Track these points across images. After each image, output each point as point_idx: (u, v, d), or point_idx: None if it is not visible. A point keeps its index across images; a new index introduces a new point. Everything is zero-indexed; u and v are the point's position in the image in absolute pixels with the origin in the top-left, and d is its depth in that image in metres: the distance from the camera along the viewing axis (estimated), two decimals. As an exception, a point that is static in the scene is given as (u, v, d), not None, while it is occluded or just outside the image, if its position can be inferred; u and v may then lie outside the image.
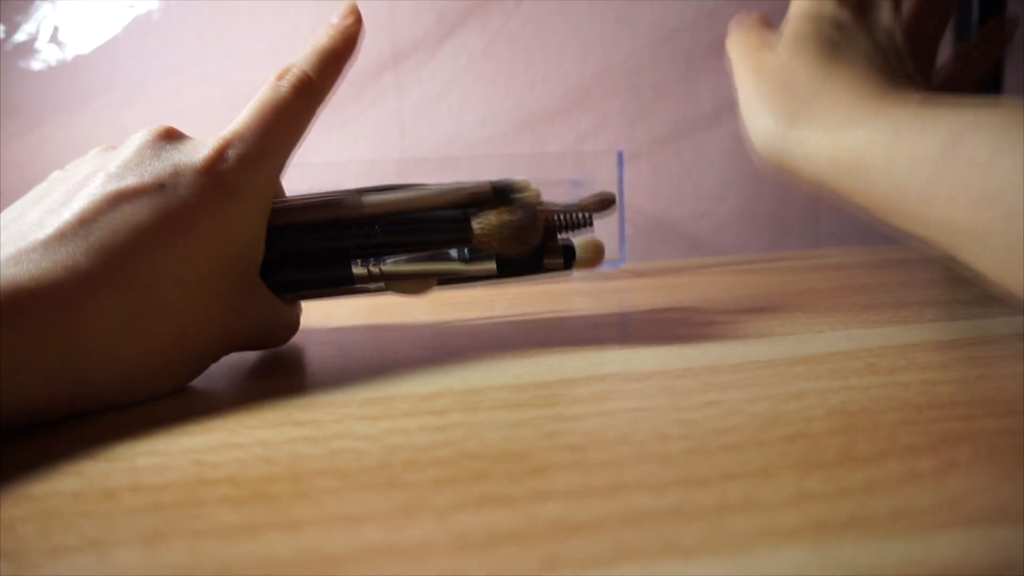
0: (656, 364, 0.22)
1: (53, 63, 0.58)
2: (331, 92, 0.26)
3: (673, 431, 0.16)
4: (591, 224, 0.28)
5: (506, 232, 0.25)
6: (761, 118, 0.30)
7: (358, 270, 0.26)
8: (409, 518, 0.13)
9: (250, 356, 0.28)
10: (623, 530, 0.12)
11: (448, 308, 0.37)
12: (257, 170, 0.23)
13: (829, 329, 0.26)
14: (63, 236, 0.19)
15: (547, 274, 0.27)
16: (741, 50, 0.34)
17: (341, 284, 0.26)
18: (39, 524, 0.13)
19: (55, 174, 0.24)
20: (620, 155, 0.50)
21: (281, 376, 0.24)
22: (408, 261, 0.26)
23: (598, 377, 0.21)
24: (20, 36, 0.58)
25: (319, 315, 0.38)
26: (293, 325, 0.27)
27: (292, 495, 0.14)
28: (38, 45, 0.58)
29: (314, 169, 0.48)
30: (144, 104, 0.59)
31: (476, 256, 0.27)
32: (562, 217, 0.27)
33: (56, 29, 0.58)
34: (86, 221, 0.20)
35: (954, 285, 0.37)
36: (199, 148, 0.22)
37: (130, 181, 0.21)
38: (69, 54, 0.58)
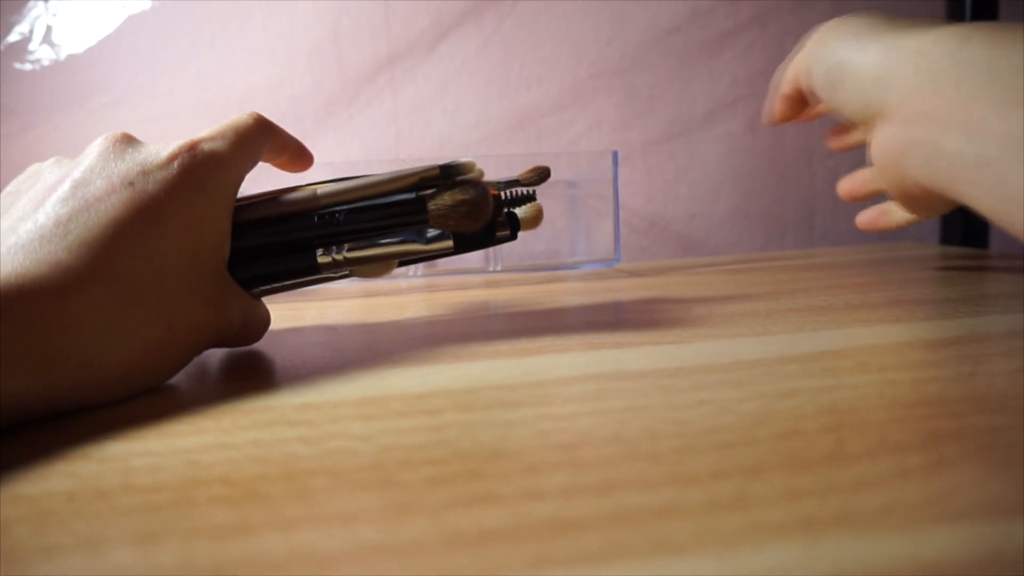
0: (649, 363, 0.22)
1: (47, 64, 0.58)
2: (280, 140, 0.28)
3: (665, 430, 0.16)
4: (534, 198, 0.30)
5: (461, 211, 0.26)
6: (828, 49, 0.33)
7: (322, 258, 0.27)
8: (402, 517, 0.13)
9: (244, 357, 0.28)
10: (614, 528, 0.12)
11: (443, 308, 0.37)
12: (221, 169, 0.24)
13: (821, 328, 0.26)
14: (43, 238, 0.20)
15: (497, 245, 0.29)
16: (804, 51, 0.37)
17: (307, 273, 0.27)
18: (33, 524, 0.13)
19: (8, 189, 0.25)
20: (614, 155, 0.51)
21: (275, 376, 0.24)
22: (369, 246, 0.28)
23: (591, 376, 0.21)
24: (13, 37, 0.58)
25: (313, 315, 0.38)
26: (266, 321, 0.28)
27: (285, 495, 0.14)
28: (31, 46, 0.58)
29: (311, 170, 0.48)
30: (138, 104, 0.59)
31: (432, 236, 0.28)
32: (506, 194, 0.29)
33: (49, 29, 0.58)
34: (62, 222, 0.21)
35: (946, 283, 0.37)
36: (162, 149, 0.24)
37: (99, 184, 0.22)
38: (63, 55, 0.58)
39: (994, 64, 0.25)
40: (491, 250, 0.52)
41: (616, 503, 0.13)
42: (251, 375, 0.25)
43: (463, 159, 0.28)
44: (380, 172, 0.28)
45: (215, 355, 0.28)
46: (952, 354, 0.22)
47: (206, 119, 0.59)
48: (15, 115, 0.57)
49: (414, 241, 0.28)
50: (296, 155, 0.29)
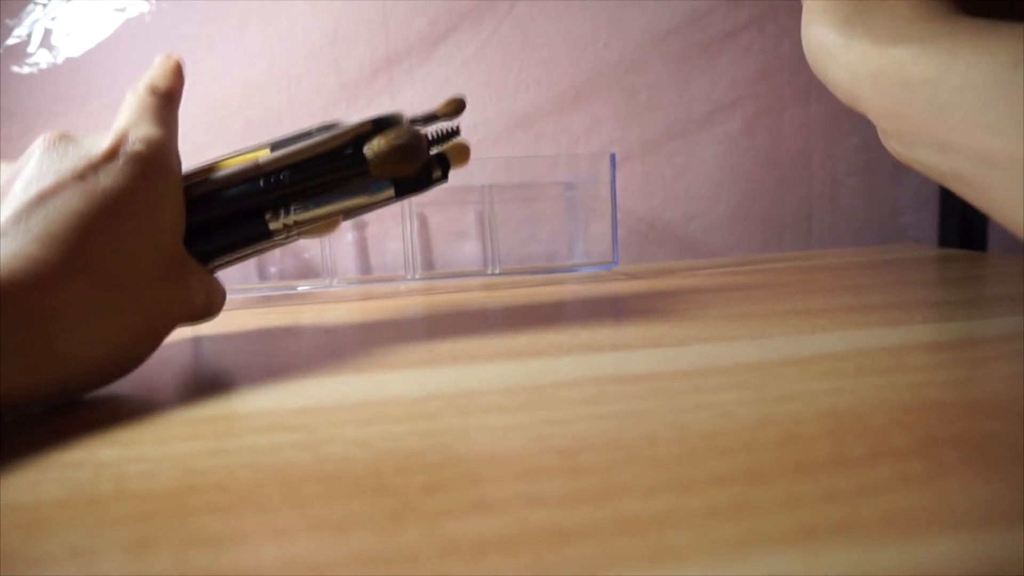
0: (648, 366, 0.22)
1: (45, 67, 0.58)
2: (180, 95, 0.29)
3: (663, 434, 0.16)
4: (458, 133, 0.31)
5: (397, 156, 0.28)
6: (815, 25, 0.29)
7: (273, 224, 0.28)
8: (397, 524, 0.12)
9: (241, 361, 0.28)
10: (612, 536, 0.12)
11: (440, 311, 0.37)
12: (160, 148, 0.25)
13: (820, 331, 0.26)
14: (3, 233, 0.20)
15: (433, 186, 0.30)
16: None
17: (260, 240, 0.28)
18: (25, 533, 0.13)
19: None
20: (612, 157, 0.50)
21: (272, 381, 0.24)
22: (315, 205, 0.28)
23: (590, 380, 0.21)
24: (11, 40, 0.58)
25: (311, 317, 0.38)
26: (223, 295, 0.29)
27: (280, 502, 0.14)
28: (30, 49, 0.58)
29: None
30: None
31: (374, 187, 0.29)
32: (432, 133, 0.30)
33: (48, 33, 0.58)
34: (19, 217, 0.21)
35: (945, 286, 0.37)
36: (100, 140, 0.24)
37: (49, 180, 0.22)
38: (61, 58, 0.58)
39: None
40: (489, 252, 0.52)
41: (615, 510, 0.13)
42: (247, 380, 0.24)
43: (392, 111, 0.29)
44: (315, 130, 0.29)
45: (211, 360, 0.28)
46: (951, 358, 0.22)
47: (204, 121, 0.59)
48: (14, 118, 0.57)
49: (358, 195, 0.29)
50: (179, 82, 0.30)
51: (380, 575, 0.11)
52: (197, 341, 0.33)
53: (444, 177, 0.30)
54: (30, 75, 0.58)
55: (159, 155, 0.25)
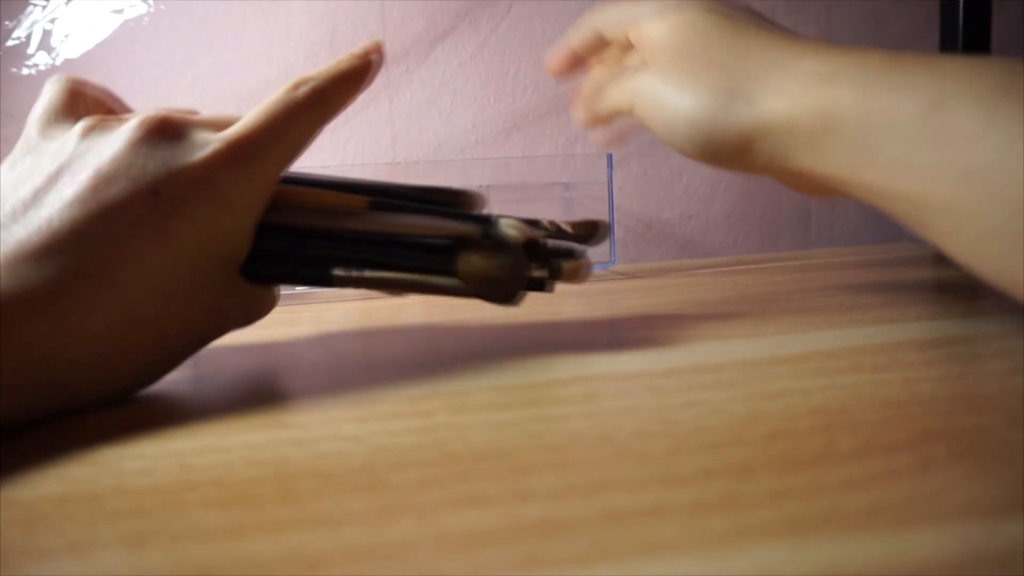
0: (642, 364, 0.22)
1: (44, 68, 0.58)
2: (338, 114, 0.25)
3: (655, 431, 0.16)
4: (580, 255, 0.27)
5: (490, 285, 0.25)
6: (682, 103, 0.25)
7: (338, 273, 0.26)
8: (392, 519, 0.13)
9: (239, 360, 0.28)
10: (602, 529, 0.12)
11: (438, 309, 0.38)
12: (256, 180, 0.22)
13: (815, 329, 0.26)
14: (51, 249, 0.19)
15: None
16: (622, 76, 0.30)
17: (319, 284, 0.26)
18: (24, 527, 0.13)
19: (32, 135, 0.23)
20: (610, 158, 0.51)
21: (269, 379, 0.24)
22: (387, 273, 0.26)
23: (584, 378, 0.21)
24: (10, 42, 0.58)
25: (309, 316, 0.38)
26: (271, 305, 0.27)
27: (276, 497, 0.14)
28: (29, 50, 0.58)
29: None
30: (136, 109, 0.59)
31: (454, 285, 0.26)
32: (549, 246, 0.27)
33: (47, 34, 0.58)
34: (77, 232, 0.19)
35: (940, 285, 0.37)
36: (197, 149, 0.21)
37: (123, 186, 0.20)
38: (60, 60, 0.58)
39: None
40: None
41: (605, 504, 0.13)
42: (245, 378, 0.25)
43: (509, 229, 0.25)
44: (423, 206, 0.26)
45: (210, 358, 0.28)
46: (944, 354, 0.22)
47: (203, 123, 0.59)
48: (13, 120, 0.58)
49: (433, 280, 0.26)
50: (356, 88, 0.25)
51: (375, 568, 0.11)
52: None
53: (543, 286, 0.27)
54: (29, 76, 0.58)
55: (255, 189, 0.22)
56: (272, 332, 0.34)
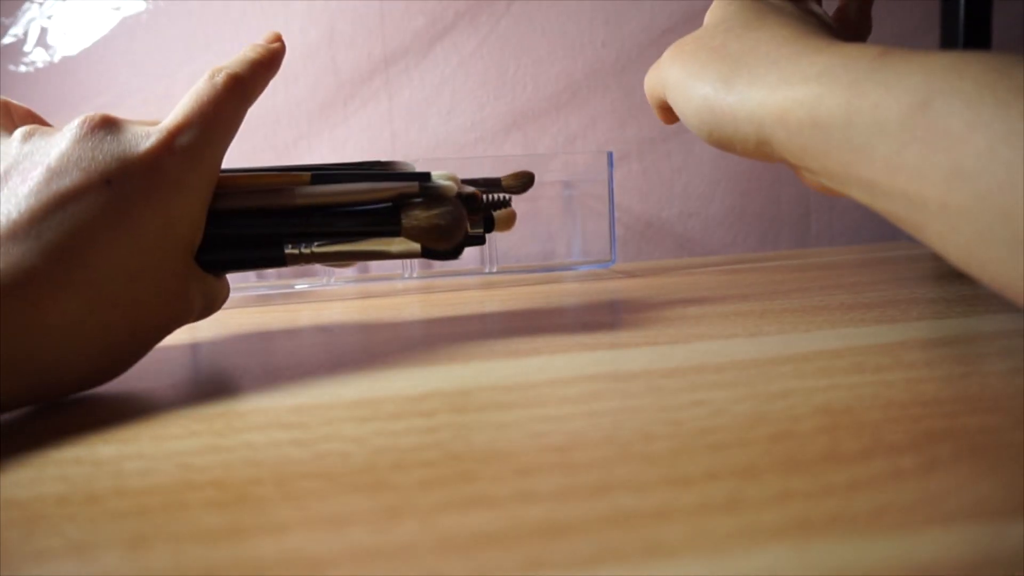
0: (644, 364, 0.22)
1: (41, 66, 0.58)
2: (258, 95, 0.27)
3: (658, 431, 0.16)
4: (509, 203, 0.30)
5: (434, 234, 0.27)
6: (694, 90, 0.27)
7: (289, 251, 0.27)
8: (394, 519, 0.13)
9: (238, 359, 0.28)
10: (606, 531, 0.12)
11: (438, 309, 0.37)
12: (202, 161, 0.24)
13: (816, 328, 0.26)
14: (15, 236, 0.20)
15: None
16: (652, 67, 0.32)
17: (273, 265, 0.28)
18: (23, 528, 0.13)
19: None
20: (610, 156, 0.51)
21: (269, 379, 0.24)
22: (337, 245, 0.28)
23: (586, 377, 0.21)
24: (7, 39, 0.58)
25: (309, 316, 0.38)
26: (225, 297, 0.28)
27: (277, 497, 0.14)
28: (26, 48, 0.58)
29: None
30: (134, 107, 0.59)
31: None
32: (487, 197, 0.30)
33: (44, 32, 0.58)
34: (36, 219, 0.20)
35: (940, 283, 0.37)
36: (140, 139, 0.22)
37: (76, 176, 0.21)
38: (57, 57, 0.58)
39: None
40: (487, 251, 0.52)
41: (609, 505, 0.13)
42: (245, 377, 0.25)
43: (443, 180, 0.28)
44: (361, 173, 0.28)
45: (209, 358, 0.28)
46: (946, 354, 0.22)
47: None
48: (9, 117, 0.57)
49: (382, 246, 0.28)
50: (268, 73, 0.28)
51: (377, 569, 0.11)
52: (195, 340, 0.33)
53: (482, 240, 0.30)
54: (26, 74, 0.58)
55: (196, 170, 0.23)
56: (272, 332, 0.34)
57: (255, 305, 0.45)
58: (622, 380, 0.21)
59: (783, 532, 0.11)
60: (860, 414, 0.17)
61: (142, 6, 0.58)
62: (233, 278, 0.45)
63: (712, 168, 0.64)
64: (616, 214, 0.61)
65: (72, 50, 0.58)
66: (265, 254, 0.27)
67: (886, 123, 0.20)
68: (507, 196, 0.30)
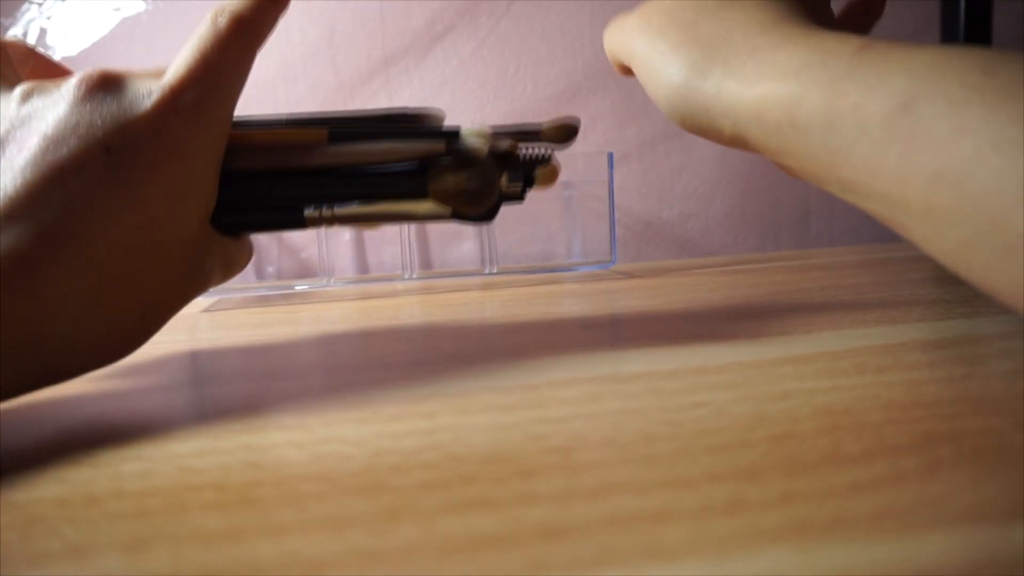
0: (644, 365, 0.22)
1: (41, 66, 0.58)
2: (267, 36, 0.25)
3: (659, 432, 0.16)
4: (550, 159, 0.27)
5: (463, 198, 0.25)
6: (665, 73, 0.26)
7: (310, 213, 0.25)
8: (394, 522, 0.13)
9: (238, 360, 0.28)
10: (607, 533, 0.12)
11: (438, 310, 0.37)
12: (209, 121, 0.22)
13: (817, 329, 0.26)
14: (11, 216, 0.18)
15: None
16: (616, 24, 0.30)
17: (292, 227, 0.26)
18: (22, 530, 0.13)
19: None
20: (610, 156, 0.51)
21: (269, 380, 0.24)
22: (360, 207, 0.26)
23: (586, 379, 0.21)
24: (7, 39, 0.58)
25: (309, 317, 0.38)
26: (248, 257, 0.27)
27: (277, 500, 0.14)
28: (25, 48, 0.58)
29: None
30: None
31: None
32: (525, 155, 0.27)
33: (43, 32, 0.58)
34: (33, 196, 0.19)
35: (941, 284, 0.37)
36: (141, 98, 0.20)
37: (74, 147, 0.19)
38: (57, 57, 0.58)
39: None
40: (487, 252, 0.52)
41: (610, 507, 0.13)
42: (244, 378, 0.24)
43: (473, 138, 0.25)
44: (384, 129, 0.26)
45: (209, 359, 0.28)
46: (947, 355, 0.22)
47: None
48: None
49: (409, 208, 0.26)
50: (276, 10, 0.25)
51: (377, 572, 0.11)
52: (194, 341, 0.33)
53: (521, 198, 0.27)
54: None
55: (209, 130, 0.21)
56: (272, 332, 0.34)
57: (254, 306, 0.45)
58: (622, 381, 0.21)
59: (784, 534, 0.11)
60: (861, 415, 0.17)
61: (142, 6, 0.58)
62: (233, 279, 0.45)
63: (712, 169, 0.64)
64: (616, 215, 0.61)
65: (72, 51, 0.58)
66: (285, 216, 0.26)
67: (867, 125, 0.19)
68: (548, 151, 0.27)
